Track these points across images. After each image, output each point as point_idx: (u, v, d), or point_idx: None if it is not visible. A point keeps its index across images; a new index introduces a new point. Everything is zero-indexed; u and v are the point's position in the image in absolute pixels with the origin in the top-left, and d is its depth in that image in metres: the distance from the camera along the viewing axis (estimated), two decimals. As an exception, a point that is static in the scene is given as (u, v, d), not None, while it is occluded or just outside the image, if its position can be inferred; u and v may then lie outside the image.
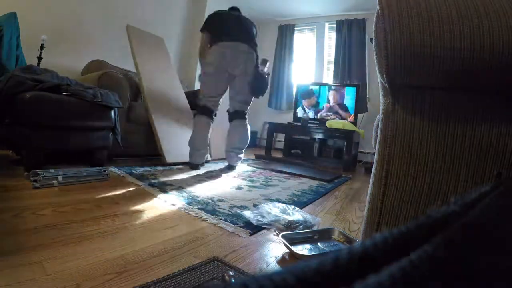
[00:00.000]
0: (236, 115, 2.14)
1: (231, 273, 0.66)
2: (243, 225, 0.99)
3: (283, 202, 1.28)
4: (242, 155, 2.23)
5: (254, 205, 1.24)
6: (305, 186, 1.79)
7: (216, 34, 2.02)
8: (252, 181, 1.81)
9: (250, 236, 0.92)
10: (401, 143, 0.54)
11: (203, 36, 2.10)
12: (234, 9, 2.22)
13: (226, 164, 2.24)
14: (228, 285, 0.10)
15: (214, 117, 2.13)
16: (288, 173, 2.26)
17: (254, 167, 2.40)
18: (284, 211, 1.11)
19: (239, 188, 1.58)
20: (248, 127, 2.19)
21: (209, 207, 1.17)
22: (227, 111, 2.23)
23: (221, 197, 1.34)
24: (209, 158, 2.39)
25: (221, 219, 1.04)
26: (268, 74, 2.19)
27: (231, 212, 1.13)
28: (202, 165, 2.11)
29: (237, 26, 2.06)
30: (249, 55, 2.03)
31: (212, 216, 1.05)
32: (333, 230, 0.97)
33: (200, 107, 2.08)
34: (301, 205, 1.32)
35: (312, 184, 1.89)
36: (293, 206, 1.17)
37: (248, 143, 2.22)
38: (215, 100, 2.09)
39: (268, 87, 2.35)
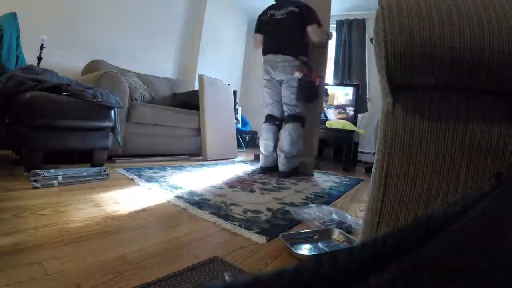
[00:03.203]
0: (288, 119, 2.18)
1: (230, 273, 0.66)
2: (259, 231, 0.95)
3: (297, 206, 1.29)
4: (294, 159, 2.20)
5: (268, 209, 1.21)
6: (318, 189, 1.77)
7: (263, 47, 2.24)
8: (264, 183, 1.79)
9: (266, 242, 0.88)
10: (401, 143, 0.54)
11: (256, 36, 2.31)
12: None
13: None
14: (228, 285, 0.10)
15: (279, 122, 2.26)
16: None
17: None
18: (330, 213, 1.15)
19: (252, 191, 1.55)
20: (297, 130, 2.14)
21: (222, 211, 1.13)
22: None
23: (234, 201, 1.29)
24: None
25: (235, 224, 1.00)
26: (310, 81, 2.12)
27: (245, 217, 1.09)
28: (274, 169, 2.20)
29: (276, 36, 2.15)
30: (286, 63, 2.10)
31: (226, 222, 1.01)
32: (333, 230, 0.97)
33: (265, 116, 2.31)
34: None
35: (325, 186, 1.87)
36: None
37: (298, 147, 2.18)
38: (272, 107, 2.29)
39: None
